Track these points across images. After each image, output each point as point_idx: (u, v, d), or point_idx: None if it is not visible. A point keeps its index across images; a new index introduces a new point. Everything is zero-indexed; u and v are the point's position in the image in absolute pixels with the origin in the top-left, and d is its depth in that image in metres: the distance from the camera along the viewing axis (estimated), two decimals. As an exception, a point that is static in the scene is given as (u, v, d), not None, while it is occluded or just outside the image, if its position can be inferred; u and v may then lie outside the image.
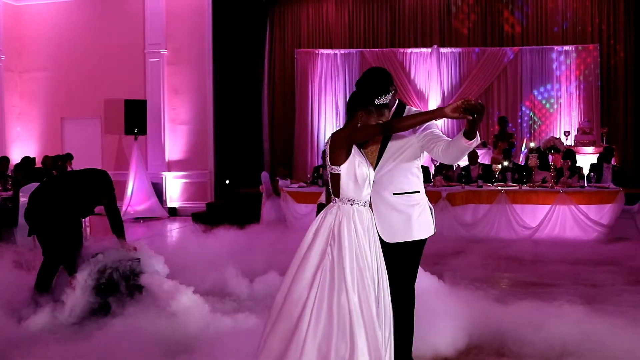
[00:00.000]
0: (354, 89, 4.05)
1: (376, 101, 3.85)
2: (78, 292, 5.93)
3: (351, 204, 3.79)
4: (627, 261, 8.82)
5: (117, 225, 6.53)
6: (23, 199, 8.10)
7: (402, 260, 4.06)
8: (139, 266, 6.26)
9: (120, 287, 5.99)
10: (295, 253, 3.84)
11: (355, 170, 3.78)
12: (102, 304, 5.94)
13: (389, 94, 3.92)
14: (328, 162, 3.84)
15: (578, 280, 7.67)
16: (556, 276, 7.95)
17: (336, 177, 3.81)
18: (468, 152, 3.92)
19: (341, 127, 4.28)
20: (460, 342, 5.06)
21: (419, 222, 4.07)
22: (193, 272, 6.95)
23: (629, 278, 7.76)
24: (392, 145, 4.07)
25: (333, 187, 3.85)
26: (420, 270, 4.30)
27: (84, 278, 5.99)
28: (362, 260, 3.68)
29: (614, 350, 4.80)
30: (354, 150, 3.82)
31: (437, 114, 3.75)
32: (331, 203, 3.86)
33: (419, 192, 4.15)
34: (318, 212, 4.19)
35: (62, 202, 6.39)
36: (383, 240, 3.97)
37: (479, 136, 3.75)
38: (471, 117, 3.59)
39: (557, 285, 7.41)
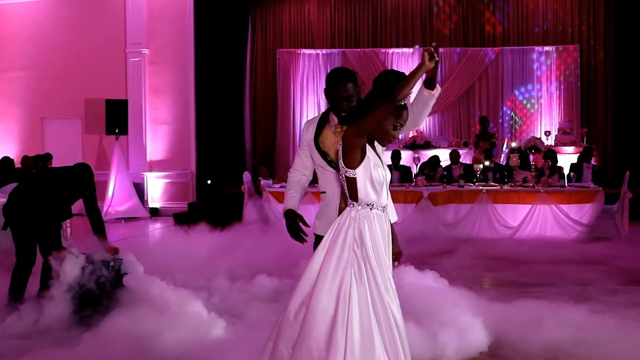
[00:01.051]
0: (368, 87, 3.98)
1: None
2: (58, 293, 5.88)
3: (370, 209, 3.61)
4: (613, 261, 8.85)
5: (98, 225, 6.50)
6: (2, 199, 8.02)
7: None
8: (122, 267, 6.22)
9: (103, 289, 5.93)
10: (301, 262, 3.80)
11: (371, 172, 3.61)
12: (84, 306, 5.88)
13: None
14: (341, 164, 3.66)
15: (569, 280, 7.69)
16: (547, 276, 7.97)
17: (352, 181, 3.62)
18: (431, 104, 3.92)
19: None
20: (483, 342, 5.07)
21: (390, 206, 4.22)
22: (172, 274, 6.89)
23: (619, 277, 7.79)
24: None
25: (350, 191, 3.66)
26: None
27: (65, 279, 5.92)
28: (384, 266, 3.55)
29: (612, 349, 4.85)
30: (369, 151, 3.65)
31: (421, 68, 3.64)
32: (347, 208, 3.67)
33: None
34: (287, 221, 4.17)
35: (45, 200, 6.34)
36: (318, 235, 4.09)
37: (439, 86, 3.81)
38: (438, 59, 3.64)
39: (550, 284, 7.45)
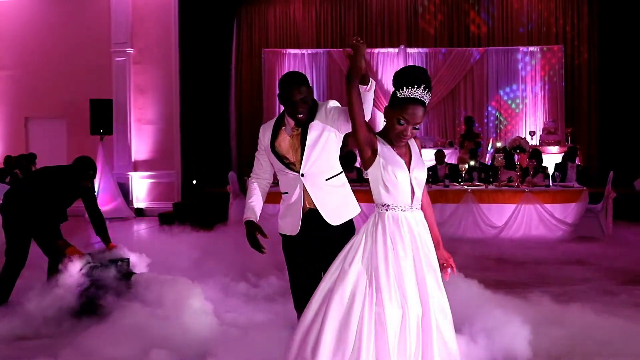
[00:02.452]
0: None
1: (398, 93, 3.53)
2: (63, 292, 5.82)
3: (385, 210, 3.52)
4: (599, 260, 8.89)
5: (101, 225, 6.46)
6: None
7: (348, 240, 4.19)
8: (128, 266, 6.23)
9: (109, 288, 5.89)
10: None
11: (381, 173, 3.51)
12: (90, 305, 5.83)
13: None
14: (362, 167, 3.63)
15: (557, 279, 7.74)
16: (533, 275, 8.02)
17: (368, 182, 3.58)
18: (369, 98, 3.78)
19: None
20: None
21: (352, 200, 4.32)
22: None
23: (606, 277, 7.84)
24: (311, 136, 4.17)
25: (372, 192, 3.60)
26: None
27: (73, 278, 5.89)
28: (399, 270, 3.41)
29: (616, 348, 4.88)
30: (382, 151, 3.54)
31: (356, 67, 3.53)
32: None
33: (342, 171, 4.33)
34: (247, 232, 4.18)
35: (42, 199, 6.25)
36: (330, 225, 4.15)
37: (372, 81, 3.75)
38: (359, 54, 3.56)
39: (538, 284, 7.47)
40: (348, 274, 3.44)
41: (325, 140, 4.18)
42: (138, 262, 6.41)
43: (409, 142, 3.66)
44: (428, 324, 3.37)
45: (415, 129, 3.54)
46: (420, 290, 3.41)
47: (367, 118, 3.73)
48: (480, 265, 8.72)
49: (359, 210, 4.34)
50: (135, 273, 6.15)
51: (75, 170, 6.41)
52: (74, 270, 5.92)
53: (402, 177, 3.51)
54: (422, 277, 3.43)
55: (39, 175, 6.69)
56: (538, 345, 4.92)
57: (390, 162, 3.53)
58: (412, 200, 3.54)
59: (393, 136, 3.56)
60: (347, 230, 4.22)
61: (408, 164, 3.58)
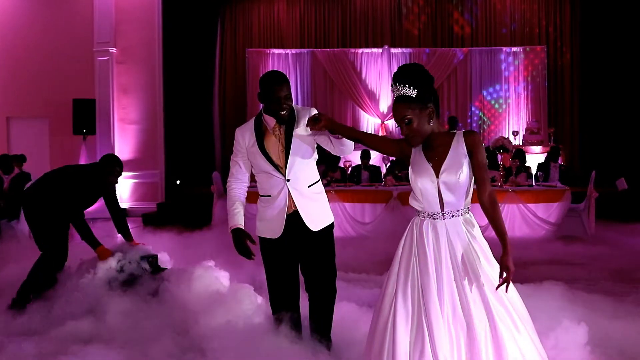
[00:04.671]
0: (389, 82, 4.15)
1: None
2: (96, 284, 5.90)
3: (418, 215, 3.53)
4: (587, 261, 8.92)
5: (122, 223, 6.47)
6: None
7: (328, 244, 4.41)
8: (157, 262, 6.33)
9: (140, 283, 5.97)
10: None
11: (411, 179, 3.52)
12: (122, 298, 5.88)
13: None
14: None
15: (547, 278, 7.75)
16: (526, 276, 7.99)
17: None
18: (344, 142, 4.11)
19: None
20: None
21: (328, 207, 4.47)
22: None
23: (593, 275, 7.89)
24: (295, 143, 4.28)
25: None
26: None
27: (104, 273, 5.98)
28: (415, 274, 3.37)
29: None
30: (413, 157, 3.55)
31: (334, 128, 3.91)
32: None
33: (320, 179, 4.50)
34: (234, 239, 4.27)
35: (69, 196, 6.24)
36: (311, 230, 4.27)
37: (350, 141, 4.06)
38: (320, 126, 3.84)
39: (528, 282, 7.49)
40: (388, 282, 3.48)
41: (307, 149, 4.28)
42: (163, 259, 6.54)
43: (454, 140, 3.49)
44: (474, 339, 3.21)
45: (407, 124, 3.45)
46: (461, 304, 3.28)
47: (345, 155, 3.99)
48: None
49: (333, 218, 4.49)
50: (166, 268, 6.25)
51: (103, 167, 6.41)
52: (110, 267, 6.04)
53: (424, 183, 3.45)
54: (459, 288, 3.31)
55: (65, 172, 6.66)
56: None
57: (414, 169, 3.50)
58: (442, 207, 3.45)
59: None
60: (327, 236, 4.38)
61: (438, 167, 3.46)
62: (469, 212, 3.55)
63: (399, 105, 3.45)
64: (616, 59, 15.68)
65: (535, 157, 14.20)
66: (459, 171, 3.43)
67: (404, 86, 3.41)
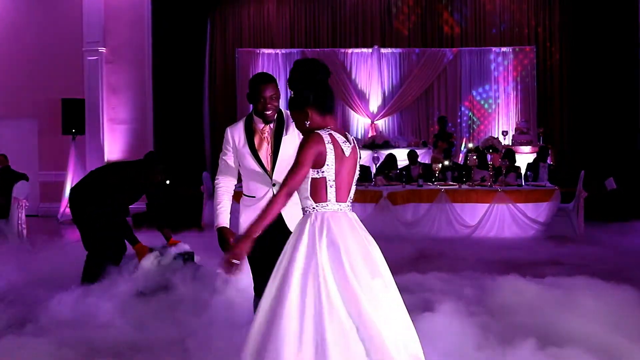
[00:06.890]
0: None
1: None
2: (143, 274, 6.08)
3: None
4: (576, 260, 8.88)
5: (163, 221, 6.50)
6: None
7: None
8: (194, 259, 6.52)
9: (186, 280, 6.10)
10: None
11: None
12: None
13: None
14: None
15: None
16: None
17: None
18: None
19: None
20: None
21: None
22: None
23: (587, 275, 7.88)
24: (284, 150, 4.33)
25: None
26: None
27: (145, 271, 6.16)
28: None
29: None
30: None
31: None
32: None
33: None
34: (220, 239, 4.36)
35: (115, 193, 6.30)
36: (287, 229, 4.23)
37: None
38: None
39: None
40: None
41: (294, 154, 4.25)
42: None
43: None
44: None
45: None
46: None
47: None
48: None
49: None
50: (202, 265, 6.41)
51: (146, 165, 6.42)
52: (151, 264, 6.22)
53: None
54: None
55: (110, 169, 6.66)
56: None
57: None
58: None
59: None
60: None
61: None
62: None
63: None
64: (605, 59, 15.73)
65: (524, 157, 14.24)
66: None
67: None
